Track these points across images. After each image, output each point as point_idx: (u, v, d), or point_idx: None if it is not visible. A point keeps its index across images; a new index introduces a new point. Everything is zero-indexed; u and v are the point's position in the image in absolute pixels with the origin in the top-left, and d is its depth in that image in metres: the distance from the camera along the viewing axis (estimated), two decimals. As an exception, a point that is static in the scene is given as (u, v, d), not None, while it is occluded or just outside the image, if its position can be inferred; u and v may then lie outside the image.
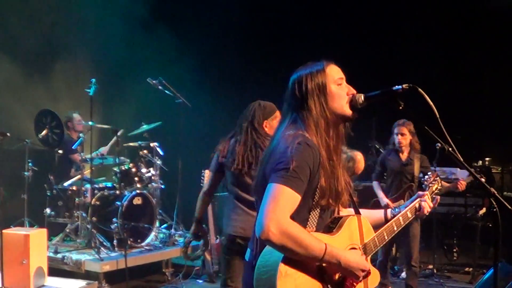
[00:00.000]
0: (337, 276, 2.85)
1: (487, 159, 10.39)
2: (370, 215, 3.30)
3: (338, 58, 3.07)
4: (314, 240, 2.68)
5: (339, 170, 2.95)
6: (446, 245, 9.56)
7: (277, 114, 5.03)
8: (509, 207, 2.84)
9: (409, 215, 3.32)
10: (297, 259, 2.67)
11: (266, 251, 2.76)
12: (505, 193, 9.78)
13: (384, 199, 7.39)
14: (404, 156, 7.61)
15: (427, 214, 3.40)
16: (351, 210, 3.17)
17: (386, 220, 3.28)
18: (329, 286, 2.81)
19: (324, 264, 2.75)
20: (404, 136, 7.53)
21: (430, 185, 3.64)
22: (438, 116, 2.92)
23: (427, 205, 3.39)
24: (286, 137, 2.84)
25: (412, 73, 10.32)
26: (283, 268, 2.66)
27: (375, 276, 3.08)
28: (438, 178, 3.69)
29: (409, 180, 7.47)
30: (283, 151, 2.75)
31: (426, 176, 3.72)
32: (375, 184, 7.71)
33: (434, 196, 3.55)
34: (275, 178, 2.69)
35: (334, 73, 2.98)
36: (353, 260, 2.79)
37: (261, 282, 2.73)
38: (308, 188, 2.76)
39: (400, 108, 2.90)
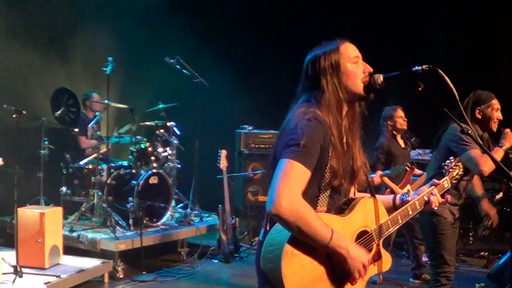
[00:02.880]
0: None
1: (505, 143, 10.25)
2: (381, 199, 3.22)
3: (357, 39, 3.03)
4: (321, 224, 2.65)
5: (355, 149, 2.95)
6: (462, 229, 9.48)
7: (493, 102, 5.07)
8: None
9: (426, 199, 3.26)
10: (304, 240, 2.65)
11: (274, 230, 2.74)
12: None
13: (397, 189, 7.24)
14: (401, 141, 7.59)
15: (435, 208, 3.27)
16: (366, 194, 3.13)
17: (395, 206, 3.22)
18: (336, 270, 2.77)
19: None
20: (404, 119, 7.56)
21: (451, 170, 3.48)
22: (458, 98, 2.88)
23: (436, 200, 3.27)
24: (297, 114, 2.82)
25: (431, 55, 10.20)
26: (289, 248, 2.63)
27: (387, 260, 3.09)
28: (459, 163, 3.53)
29: (410, 163, 7.43)
30: (293, 127, 2.74)
31: (448, 161, 3.54)
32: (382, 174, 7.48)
33: (454, 182, 3.45)
34: (286, 154, 2.68)
35: (349, 51, 2.93)
36: (357, 255, 2.75)
37: (268, 261, 2.72)
38: (318, 165, 2.74)
39: (420, 89, 2.86)
